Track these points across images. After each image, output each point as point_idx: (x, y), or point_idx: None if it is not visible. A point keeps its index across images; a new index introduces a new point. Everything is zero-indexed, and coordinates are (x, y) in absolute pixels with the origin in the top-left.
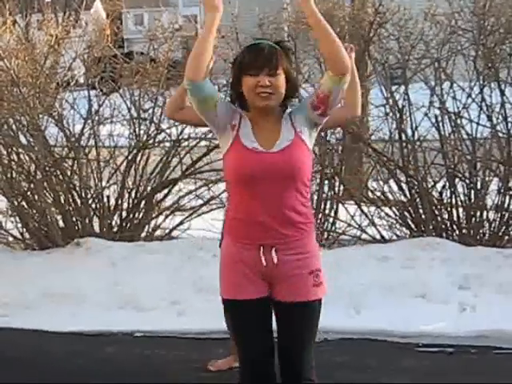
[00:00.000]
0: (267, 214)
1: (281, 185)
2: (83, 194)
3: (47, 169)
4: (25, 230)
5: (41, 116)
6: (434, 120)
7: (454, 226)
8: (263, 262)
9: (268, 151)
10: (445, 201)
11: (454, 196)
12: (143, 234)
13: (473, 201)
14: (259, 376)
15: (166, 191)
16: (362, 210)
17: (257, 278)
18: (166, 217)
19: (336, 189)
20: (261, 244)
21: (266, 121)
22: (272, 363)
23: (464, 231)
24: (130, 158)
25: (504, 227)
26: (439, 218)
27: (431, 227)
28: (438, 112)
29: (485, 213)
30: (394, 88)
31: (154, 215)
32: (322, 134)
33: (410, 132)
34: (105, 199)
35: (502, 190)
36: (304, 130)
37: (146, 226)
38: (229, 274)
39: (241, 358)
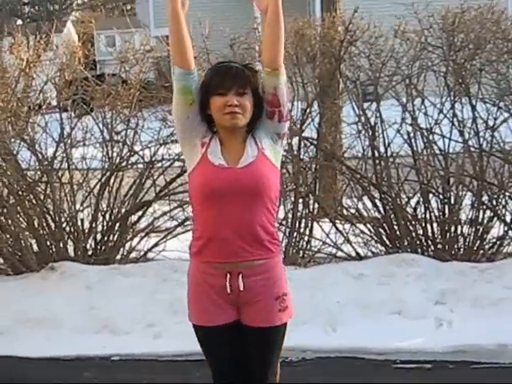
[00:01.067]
0: (234, 230)
1: (248, 201)
2: (57, 218)
3: (20, 193)
4: None
5: (13, 140)
6: (406, 136)
7: (429, 242)
8: (228, 289)
9: (233, 167)
10: (419, 216)
11: (428, 211)
12: (118, 257)
13: (447, 216)
14: None
15: (140, 213)
16: (337, 228)
17: (225, 303)
18: (141, 239)
19: (310, 207)
20: (228, 271)
21: (232, 140)
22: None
23: (439, 246)
24: (103, 180)
25: (478, 241)
26: (414, 234)
27: (406, 243)
28: (410, 128)
29: (459, 227)
30: (365, 105)
31: (128, 237)
32: (296, 152)
33: (382, 149)
34: (79, 222)
35: (476, 205)
36: (267, 147)
37: (121, 249)
38: (196, 300)
39: (213, 378)
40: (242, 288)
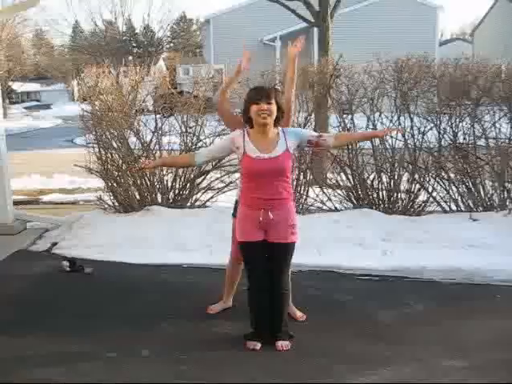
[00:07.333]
0: (263, 192)
1: (274, 177)
2: (151, 179)
3: (129, 163)
4: (115, 200)
5: (125, 130)
6: None
7: (380, 202)
8: (260, 218)
9: (267, 157)
10: (374, 186)
11: (380, 183)
12: (188, 204)
13: (392, 186)
14: (261, 284)
15: (202, 177)
16: (323, 191)
17: (257, 228)
18: (202, 194)
19: (308, 177)
20: (260, 208)
21: (264, 136)
22: (268, 278)
23: (386, 205)
24: None
25: (411, 203)
26: (371, 197)
27: (366, 202)
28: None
29: (399, 194)
30: (344, 116)
31: (195, 192)
32: None
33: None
34: (165, 182)
35: (410, 180)
36: (291, 147)
37: (190, 199)
38: (241, 226)
39: (248, 278)
40: (271, 217)
